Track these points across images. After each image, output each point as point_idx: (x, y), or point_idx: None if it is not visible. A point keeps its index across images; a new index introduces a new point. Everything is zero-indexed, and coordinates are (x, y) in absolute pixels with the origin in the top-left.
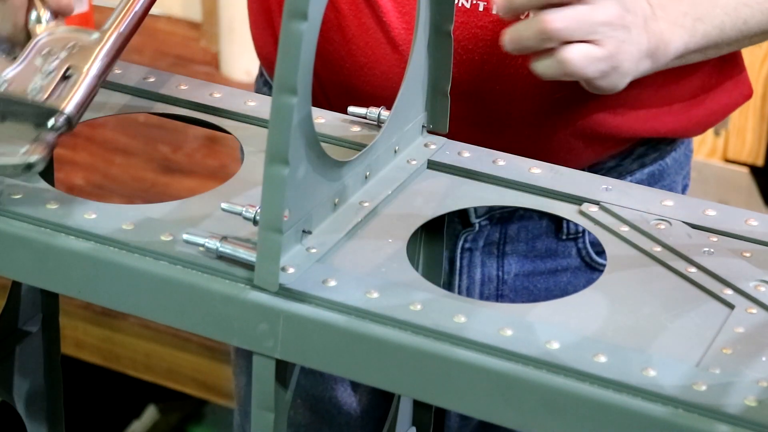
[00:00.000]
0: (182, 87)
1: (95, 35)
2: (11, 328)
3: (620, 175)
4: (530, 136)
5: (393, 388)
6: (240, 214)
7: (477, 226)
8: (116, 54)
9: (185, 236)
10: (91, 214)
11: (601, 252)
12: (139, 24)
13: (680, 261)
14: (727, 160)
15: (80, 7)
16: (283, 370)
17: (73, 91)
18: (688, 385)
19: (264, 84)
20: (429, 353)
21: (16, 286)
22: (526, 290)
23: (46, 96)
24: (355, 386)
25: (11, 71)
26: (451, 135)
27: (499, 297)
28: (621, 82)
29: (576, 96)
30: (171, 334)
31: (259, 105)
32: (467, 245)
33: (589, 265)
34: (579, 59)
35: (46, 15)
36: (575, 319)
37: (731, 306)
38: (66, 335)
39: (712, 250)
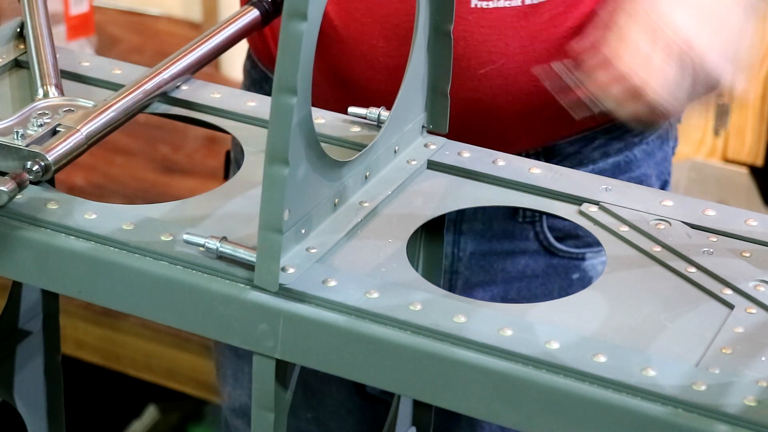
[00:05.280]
0: (182, 87)
1: (93, 104)
2: (11, 328)
3: (581, 164)
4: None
5: (393, 388)
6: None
7: None
8: (112, 123)
9: (185, 236)
10: (92, 215)
11: (561, 238)
12: (143, 102)
13: (680, 261)
14: (727, 160)
15: (80, 7)
16: (283, 370)
17: (59, 142)
18: (688, 385)
19: (252, 66)
20: (429, 353)
21: (16, 286)
22: (482, 269)
23: (28, 142)
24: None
25: (2, 124)
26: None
27: (453, 273)
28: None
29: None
30: (171, 334)
31: (259, 105)
32: None
33: (548, 249)
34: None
35: (52, 91)
36: (575, 319)
37: (731, 306)
38: (66, 335)
39: (711, 250)
